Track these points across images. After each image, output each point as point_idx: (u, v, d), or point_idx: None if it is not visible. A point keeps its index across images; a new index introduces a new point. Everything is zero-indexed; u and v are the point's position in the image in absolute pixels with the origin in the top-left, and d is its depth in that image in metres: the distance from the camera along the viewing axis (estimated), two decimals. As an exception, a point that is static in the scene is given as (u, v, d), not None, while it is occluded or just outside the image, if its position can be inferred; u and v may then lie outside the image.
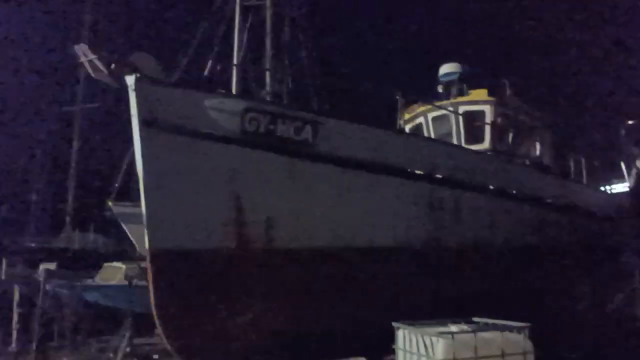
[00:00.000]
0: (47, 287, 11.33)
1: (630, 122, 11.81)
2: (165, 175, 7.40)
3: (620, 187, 16.39)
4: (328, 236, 8.17)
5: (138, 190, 7.66)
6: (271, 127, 7.77)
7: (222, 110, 7.66)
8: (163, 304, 7.44)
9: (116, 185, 16.54)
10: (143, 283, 11.29)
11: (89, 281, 15.99)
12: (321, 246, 8.12)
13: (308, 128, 7.93)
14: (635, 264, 13.12)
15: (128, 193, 16.41)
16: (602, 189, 15.76)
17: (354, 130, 8.41)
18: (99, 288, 15.10)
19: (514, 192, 10.56)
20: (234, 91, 11.32)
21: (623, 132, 11.83)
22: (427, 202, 9.03)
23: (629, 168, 12.42)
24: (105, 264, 16.87)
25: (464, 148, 11.36)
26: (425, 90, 14.66)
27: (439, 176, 9.11)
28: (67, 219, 27.71)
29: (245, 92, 10.61)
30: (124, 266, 16.11)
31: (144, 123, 7.31)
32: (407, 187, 8.79)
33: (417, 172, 8.88)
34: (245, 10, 11.96)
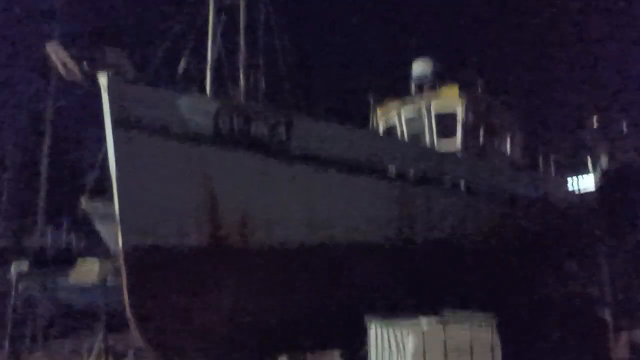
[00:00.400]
0: (20, 286, 11.22)
1: (595, 117, 12.12)
2: (138, 174, 7.41)
3: (587, 180, 16.93)
4: (301, 233, 8.28)
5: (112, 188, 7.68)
6: (245, 126, 7.84)
7: (195, 110, 7.70)
8: (137, 301, 7.47)
9: (90, 182, 16.35)
10: (117, 281, 11.28)
11: (62, 279, 15.81)
12: (294, 243, 8.23)
13: (281, 127, 8.02)
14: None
15: (102, 190, 16.27)
16: (570, 180, 16.21)
17: (326, 129, 8.53)
18: (72, 287, 14.93)
19: (484, 189, 10.79)
20: (208, 90, 11.36)
21: (588, 129, 12.14)
22: (398, 199, 9.20)
23: (594, 164, 12.76)
24: (80, 259, 16.67)
25: (434, 147, 11.55)
26: (399, 85, 14.82)
27: (410, 174, 9.27)
28: (39, 216, 27.29)
29: (219, 91, 10.64)
30: (97, 262, 15.95)
31: (117, 122, 7.31)
32: (378, 185, 8.94)
33: (390, 170, 9.03)
34: (219, 8, 11.95)
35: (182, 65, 10.20)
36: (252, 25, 11.27)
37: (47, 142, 27.78)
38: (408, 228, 9.40)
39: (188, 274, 7.68)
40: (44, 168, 27.75)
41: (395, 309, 7.82)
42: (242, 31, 11.01)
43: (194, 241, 7.71)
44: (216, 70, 10.51)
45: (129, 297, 7.46)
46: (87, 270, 15.98)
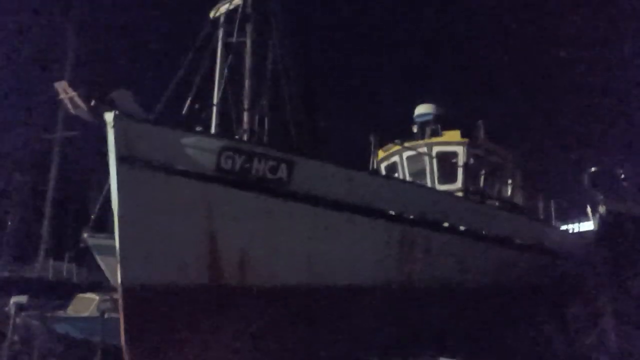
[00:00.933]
0: (17, 320, 11.21)
1: (593, 168, 12.30)
2: (140, 210, 7.51)
3: (587, 226, 17.00)
4: (302, 274, 8.31)
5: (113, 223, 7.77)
6: (247, 165, 7.97)
7: (199, 148, 7.84)
8: (134, 338, 7.48)
9: (92, 216, 16.53)
10: (116, 315, 11.24)
11: (61, 312, 15.78)
12: (295, 284, 8.25)
13: (283, 167, 8.14)
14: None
15: (104, 225, 16.43)
16: (569, 227, 16.27)
17: (328, 170, 8.64)
18: (70, 320, 14.91)
19: (485, 232, 10.82)
20: (213, 129, 11.57)
21: (587, 177, 12.29)
22: (399, 241, 9.24)
23: (593, 211, 12.84)
24: (78, 295, 16.68)
25: (435, 189, 11.64)
26: (401, 129, 15.03)
27: (410, 216, 9.34)
28: (42, 247, 27.42)
29: (224, 130, 10.84)
30: (97, 297, 15.94)
31: (121, 159, 7.45)
32: (379, 226, 9.00)
33: (390, 212, 9.10)
34: (226, 47, 12.25)
35: (187, 103, 10.44)
36: (258, 65, 11.52)
37: (53, 174, 28.06)
38: (407, 270, 9.41)
39: (186, 311, 7.71)
40: (48, 201, 27.98)
41: (392, 353, 7.80)
42: (247, 71, 11.24)
43: (193, 279, 7.75)
44: (221, 110, 10.71)
45: (126, 333, 7.47)
46: (85, 304, 16.01)
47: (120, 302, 7.61)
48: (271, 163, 8.08)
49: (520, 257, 12.03)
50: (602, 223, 10.51)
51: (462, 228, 10.24)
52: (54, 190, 27.90)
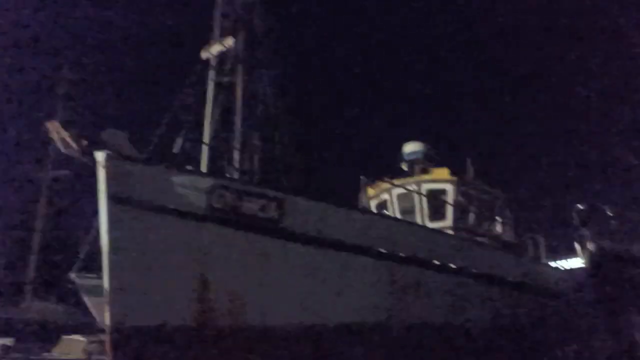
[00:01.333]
0: None
1: (581, 206, 12.47)
2: (130, 250, 7.46)
3: (574, 263, 17.12)
4: (293, 313, 8.24)
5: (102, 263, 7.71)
6: (237, 204, 7.98)
7: (189, 187, 7.86)
8: None
9: (80, 257, 16.40)
10: (103, 358, 11.04)
11: (46, 355, 15.51)
12: (286, 323, 8.17)
13: (273, 206, 8.16)
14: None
15: (92, 265, 16.29)
16: (558, 263, 16.38)
17: (318, 208, 8.66)
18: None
19: (475, 270, 10.82)
20: (203, 168, 11.60)
21: (575, 214, 12.44)
22: (390, 279, 9.22)
23: (582, 248, 12.93)
24: (64, 337, 16.43)
25: (425, 227, 11.69)
26: (390, 167, 15.17)
27: (402, 255, 9.34)
28: (28, 288, 26.97)
29: (214, 169, 10.89)
30: (84, 339, 15.71)
31: (112, 199, 7.45)
32: (371, 265, 8.99)
33: (382, 250, 9.10)
34: (217, 87, 12.38)
35: (178, 142, 10.49)
36: (249, 104, 11.63)
37: (41, 213, 27.85)
38: (399, 308, 9.35)
39: (176, 354, 7.60)
40: (35, 241, 27.67)
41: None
42: (238, 111, 11.35)
43: (183, 320, 7.65)
44: (212, 148, 10.77)
45: (114, 377, 7.33)
46: (72, 346, 15.77)
47: (108, 343, 7.49)
48: (262, 201, 8.10)
49: (511, 295, 12.01)
50: (593, 260, 10.57)
51: (453, 266, 10.23)
52: (41, 230, 27.62)
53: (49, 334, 19.71)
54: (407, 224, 11.40)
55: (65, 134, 7.46)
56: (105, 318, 7.46)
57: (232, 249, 7.95)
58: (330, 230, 8.60)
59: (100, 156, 7.50)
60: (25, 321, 24.10)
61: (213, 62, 11.38)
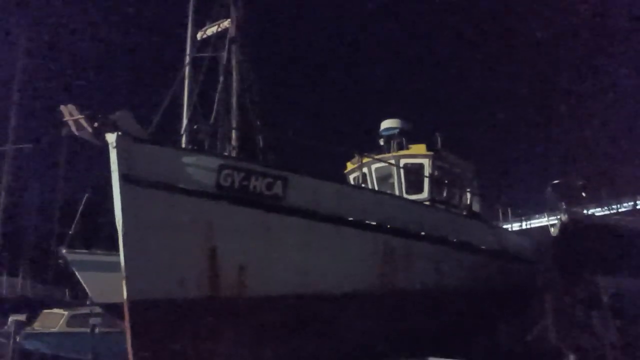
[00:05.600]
0: (17, 338, 11.18)
1: (556, 181, 13.40)
2: (143, 228, 7.80)
3: (537, 223, 18.40)
4: (296, 283, 8.79)
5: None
6: (245, 182, 8.41)
7: (198, 167, 8.23)
8: (141, 352, 7.76)
9: (70, 232, 16.42)
10: (108, 330, 11.39)
11: (28, 328, 15.63)
12: (289, 293, 8.72)
13: (279, 183, 8.63)
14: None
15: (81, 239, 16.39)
16: (523, 224, 17.61)
17: (318, 185, 9.19)
18: (40, 335, 14.81)
19: (453, 239, 11.63)
20: (183, 143, 11.85)
21: (549, 188, 13.36)
22: (382, 249, 9.88)
23: (554, 217, 13.91)
24: (45, 311, 16.54)
25: (413, 201, 12.38)
26: (368, 143, 15.74)
27: (393, 226, 10.00)
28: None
29: (211, 147, 11.18)
30: (65, 313, 15.89)
31: (124, 178, 7.74)
32: (366, 236, 9.62)
33: (375, 223, 9.73)
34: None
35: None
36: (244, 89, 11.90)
37: (3, 187, 27.28)
38: (391, 276, 10.05)
39: (189, 323, 8.06)
40: None
41: (383, 356, 8.39)
42: (235, 89, 11.63)
43: (195, 292, 8.10)
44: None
45: (133, 347, 7.73)
46: (53, 319, 15.93)
47: (125, 316, 7.87)
48: (268, 180, 8.55)
49: (481, 261, 12.93)
50: (563, 229, 11.52)
51: (435, 235, 10.99)
52: (5, 206, 27.08)
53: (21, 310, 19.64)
54: (397, 198, 12.06)
55: (79, 116, 7.66)
56: (122, 293, 7.82)
57: (240, 225, 8.39)
58: (329, 205, 9.15)
59: (111, 137, 7.74)
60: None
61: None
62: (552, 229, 11.95)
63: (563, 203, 11.48)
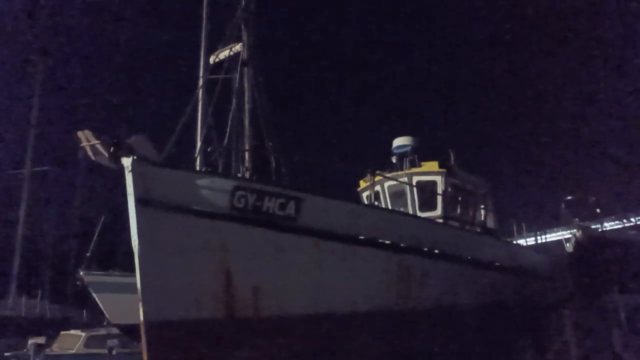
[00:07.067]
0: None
1: (569, 197, 13.38)
2: (159, 250, 7.91)
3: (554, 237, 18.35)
4: (310, 303, 8.83)
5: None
6: (258, 203, 8.51)
7: (213, 189, 8.35)
8: None
9: (87, 254, 16.65)
10: (124, 351, 11.46)
11: (47, 350, 15.76)
12: (304, 313, 8.76)
13: (292, 204, 8.71)
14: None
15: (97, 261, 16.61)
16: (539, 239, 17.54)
17: (331, 205, 9.25)
18: (59, 357, 14.95)
19: (468, 256, 11.61)
20: (198, 166, 11.99)
21: (563, 205, 13.34)
22: (397, 268, 9.90)
23: (568, 233, 13.86)
24: (62, 332, 16.70)
25: (426, 219, 12.39)
26: (380, 161, 15.79)
27: (407, 245, 10.02)
28: (13, 285, 26.83)
29: (227, 170, 11.32)
30: (82, 334, 16.03)
31: (140, 201, 7.88)
32: (379, 255, 9.64)
33: (388, 242, 9.76)
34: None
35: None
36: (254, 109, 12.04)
37: (23, 210, 27.64)
38: (405, 295, 10.05)
39: (205, 345, 8.12)
40: (19, 238, 27.50)
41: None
42: (246, 112, 11.78)
43: (211, 313, 8.17)
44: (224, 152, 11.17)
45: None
46: (71, 341, 16.06)
47: (142, 337, 7.95)
48: (281, 200, 8.64)
49: (497, 278, 12.88)
50: (578, 245, 11.47)
51: (449, 253, 10.98)
52: (24, 227, 27.44)
53: (35, 330, 19.79)
54: (411, 217, 12.08)
55: (95, 142, 7.83)
56: (139, 314, 7.91)
57: (254, 246, 8.48)
58: (342, 225, 9.20)
59: (127, 161, 7.89)
60: (10, 318, 24.10)
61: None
62: (567, 245, 11.90)
63: (577, 219, 11.43)
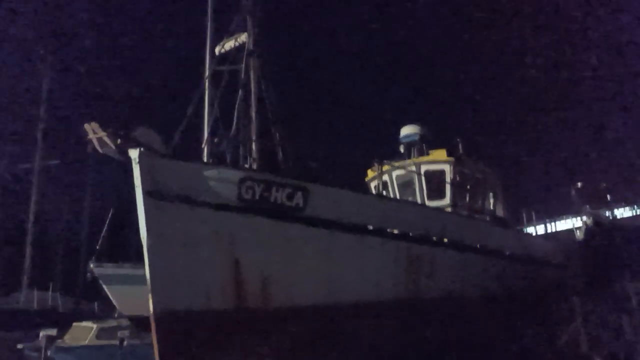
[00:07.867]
0: (49, 353, 11.42)
1: (579, 183, 13.26)
2: (168, 241, 7.92)
3: (564, 225, 18.23)
4: (319, 293, 8.83)
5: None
6: (265, 194, 8.50)
7: (220, 180, 8.34)
8: None
9: (97, 247, 16.75)
10: (135, 342, 11.53)
11: (58, 341, 15.88)
12: (312, 303, 8.76)
13: (299, 194, 8.69)
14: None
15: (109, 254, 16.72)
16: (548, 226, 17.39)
17: (339, 194, 9.23)
18: (70, 349, 15.04)
19: (477, 245, 11.56)
20: (205, 157, 11.97)
21: (574, 192, 13.22)
22: (406, 258, 9.87)
23: (579, 221, 13.75)
24: (75, 324, 16.79)
25: (435, 208, 12.34)
26: (388, 150, 15.73)
27: (416, 234, 9.99)
28: (24, 278, 27.10)
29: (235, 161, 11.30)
30: (94, 325, 16.11)
31: (148, 193, 7.87)
32: (388, 245, 9.62)
33: (397, 231, 9.74)
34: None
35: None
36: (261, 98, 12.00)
37: (33, 203, 27.81)
38: (415, 284, 10.03)
39: (214, 335, 8.14)
40: (29, 231, 27.70)
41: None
42: (253, 102, 11.76)
43: (221, 304, 8.18)
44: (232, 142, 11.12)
45: (161, 358, 7.83)
46: (83, 332, 16.16)
47: (152, 328, 7.97)
48: (288, 190, 8.63)
49: (506, 266, 12.82)
50: (589, 233, 11.38)
51: (458, 242, 10.94)
52: (34, 221, 27.65)
53: (48, 322, 19.95)
54: (419, 206, 12.02)
55: (102, 134, 7.83)
56: (149, 305, 7.94)
57: (262, 236, 8.47)
58: (350, 214, 9.18)
59: (134, 153, 7.88)
60: (21, 310, 24.37)
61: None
62: (577, 233, 11.81)
63: (587, 206, 11.33)
